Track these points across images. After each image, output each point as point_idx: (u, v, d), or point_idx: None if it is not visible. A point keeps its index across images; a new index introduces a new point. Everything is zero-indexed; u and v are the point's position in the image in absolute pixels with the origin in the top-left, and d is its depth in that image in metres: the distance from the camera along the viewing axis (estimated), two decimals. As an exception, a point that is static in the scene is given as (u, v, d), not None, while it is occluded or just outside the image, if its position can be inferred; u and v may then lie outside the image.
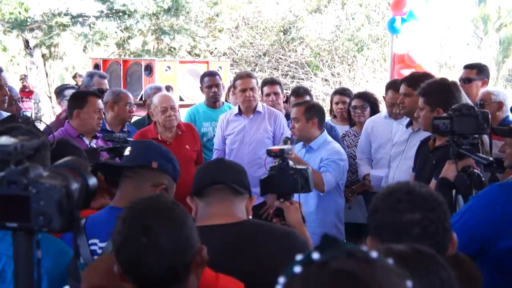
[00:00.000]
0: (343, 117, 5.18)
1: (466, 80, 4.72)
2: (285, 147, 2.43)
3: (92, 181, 1.21)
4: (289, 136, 4.19)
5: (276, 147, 2.44)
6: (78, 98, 4.15)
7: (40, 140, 1.11)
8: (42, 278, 1.64)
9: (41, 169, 1.10)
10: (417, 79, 3.61)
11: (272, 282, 0.88)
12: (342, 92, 5.34)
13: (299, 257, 0.85)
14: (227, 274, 1.72)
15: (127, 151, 2.30)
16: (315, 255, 0.83)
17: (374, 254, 0.84)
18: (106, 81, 5.34)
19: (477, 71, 4.81)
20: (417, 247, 1.28)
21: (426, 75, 3.82)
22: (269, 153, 2.42)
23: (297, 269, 0.84)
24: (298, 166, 2.40)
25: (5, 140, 1.10)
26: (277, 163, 2.37)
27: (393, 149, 3.99)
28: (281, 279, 0.84)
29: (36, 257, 1.07)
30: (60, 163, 1.22)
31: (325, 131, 4.18)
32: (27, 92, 14.99)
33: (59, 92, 6.29)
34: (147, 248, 1.37)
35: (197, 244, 1.49)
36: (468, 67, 4.89)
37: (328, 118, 5.49)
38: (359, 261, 0.82)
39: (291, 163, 2.37)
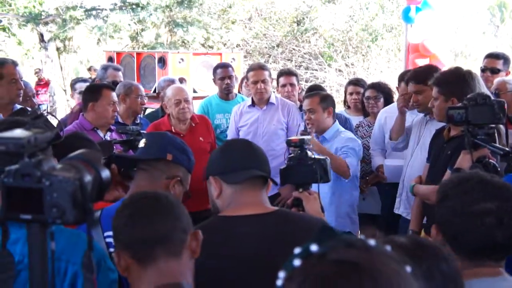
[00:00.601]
0: (357, 107, 5.15)
1: (492, 70, 4.64)
2: (304, 137, 2.44)
3: (105, 173, 1.22)
4: (304, 129, 4.18)
5: (296, 137, 2.45)
6: (93, 91, 4.17)
7: (53, 132, 1.11)
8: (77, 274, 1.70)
9: (54, 162, 1.11)
10: (424, 74, 3.58)
11: None
12: (356, 82, 5.30)
13: (297, 250, 0.84)
14: (261, 265, 1.72)
15: (141, 143, 2.31)
16: (314, 247, 0.83)
17: (372, 242, 0.84)
18: (120, 73, 5.36)
19: (503, 62, 4.74)
20: (418, 239, 1.28)
21: (431, 67, 3.78)
22: (289, 143, 2.45)
23: (297, 262, 0.83)
24: (317, 156, 2.41)
25: (18, 133, 1.11)
26: (295, 153, 2.38)
27: (411, 136, 3.96)
28: (281, 273, 0.84)
29: (50, 249, 1.08)
30: (74, 155, 1.23)
31: (337, 121, 4.19)
32: (42, 84, 15.10)
33: (73, 85, 6.34)
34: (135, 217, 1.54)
35: (191, 227, 1.57)
36: (493, 56, 4.80)
37: (342, 109, 5.48)
38: (358, 250, 0.82)
39: (310, 153, 2.38)
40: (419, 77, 3.68)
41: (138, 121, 4.72)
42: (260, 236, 1.84)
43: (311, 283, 0.80)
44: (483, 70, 4.57)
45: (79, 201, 1.06)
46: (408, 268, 0.84)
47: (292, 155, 2.40)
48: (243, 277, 1.81)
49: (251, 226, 1.86)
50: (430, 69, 3.65)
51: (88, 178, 1.10)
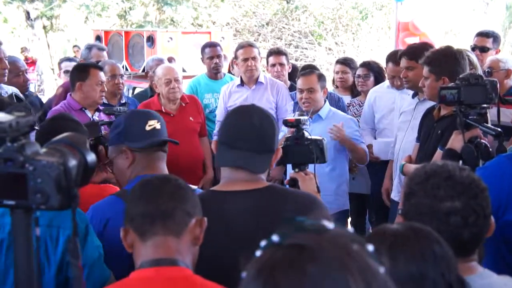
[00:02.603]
0: (343, 86, 5.15)
1: (482, 49, 4.63)
2: (301, 117, 2.43)
3: (91, 157, 1.19)
4: (295, 109, 4.17)
5: (292, 117, 2.43)
6: (80, 71, 4.11)
7: (36, 116, 1.08)
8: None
9: (38, 146, 1.08)
10: (417, 51, 3.56)
11: None
12: (342, 61, 5.28)
13: (262, 243, 0.83)
14: (249, 239, 1.70)
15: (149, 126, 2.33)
16: (275, 238, 0.82)
17: (330, 225, 0.82)
18: (105, 53, 5.28)
19: (492, 40, 4.73)
20: (410, 224, 1.27)
21: (425, 45, 3.77)
22: (286, 123, 2.44)
23: (258, 253, 0.82)
24: (314, 137, 2.39)
25: (0, 117, 1.07)
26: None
27: (400, 119, 3.97)
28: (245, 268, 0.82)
29: (35, 234, 1.06)
30: (58, 139, 1.20)
31: (327, 100, 4.19)
32: (29, 63, 14.90)
33: (60, 64, 6.24)
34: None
35: (198, 214, 1.62)
36: (483, 34, 4.79)
37: (331, 88, 5.46)
38: (309, 234, 0.81)
39: (306, 133, 2.37)
40: (412, 53, 3.67)
41: (124, 101, 4.64)
42: (249, 211, 1.84)
43: (262, 272, 0.79)
44: (473, 49, 4.57)
45: (64, 186, 1.04)
46: (370, 247, 0.82)
47: (289, 135, 2.40)
48: (232, 252, 1.78)
49: (241, 202, 1.85)
50: (424, 47, 3.63)
51: (72, 162, 1.08)
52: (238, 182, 1.88)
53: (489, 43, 4.71)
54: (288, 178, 2.38)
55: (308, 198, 1.94)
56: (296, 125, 2.38)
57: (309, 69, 4.43)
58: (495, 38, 4.77)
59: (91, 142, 2.45)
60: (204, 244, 1.63)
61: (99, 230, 2.07)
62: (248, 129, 1.86)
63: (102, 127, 3.16)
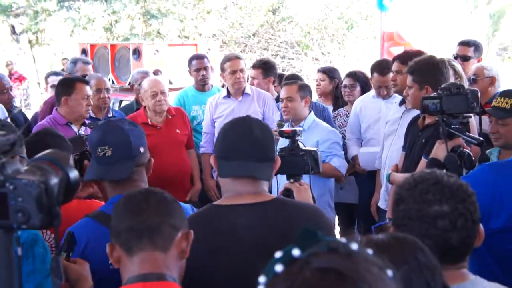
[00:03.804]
0: (321, 94, 5.19)
1: (464, 58, 4.69)
2: (297, 128, 2.47)
3: (74, 174, 1.19)
4: (281, 119, 4.17)
5: (289, 128, 2.46)
6: (66, 85, 4.09)
7: (16, 134, 1.07)
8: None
9: (19, 165, 1.08)
10: (411, 57, 3.58)
11: None
12: (321, 70, 5.31)
13: (278, 254, 0.82)
14: (256, 253, 1.72)
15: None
16: (296, 252, 0.81)
17: (354, 246, 0.82)
18: (90, 67, 5.26)
19: (474, 49, 4.79)
20: (395, 235, 1.28)
21: (420, 53, 3.79)
22: (282, 134, 2.47)
23: (279, 267, 0.81)
24: (308, 148, 2.42)
25: (-20, 136, 1.07)
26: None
27: (386, 128, 3.98)
28: (262, 278, 0.81)
29: (16, 254, 1.05)
30: (40, 156, 1.19)
31: (312, 111, 4.19)
32: (15, 78, 14.80)
33: (46, 78, 6.21)
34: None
35: (184, 227, 1.61)
36: (464, 43, 4.85)
37: (316, 98, 5.49)
38: (341, 256, 0.80)
39: (301, 144, 2.40)
40: (404, 58, 3.71)
41: (111, 114, 4.62)
42: (257, 225, 1.82)
43: None
44: (455, 58, 4.62)
45: (45, 204, 1.03)
46: (390, 273, 0.83)
47: (282, 145, 2.43)
48: (241, 267, 1.78)
49: (247, 216, 1.82)
50: (416, 54, 3.66)
51: (54, 180, 1.07)
52: (243, 195, 1.85)
53: (470, 52, 4.77)
54: (279, 189, 2.39)
55: (314, 209, 1.96)
56: (292, 136, 2.42)
57: (293, 79, 4.45)
58: (477, 47, 4.83)
59: (76, 157, 2.44)
60: (212, 260, 1.62)
61: (77, 254, 2.02)
62: (250, 140, 1.86)
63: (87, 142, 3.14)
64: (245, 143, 1.85)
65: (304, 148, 2.38)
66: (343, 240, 0.84)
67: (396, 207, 1.54)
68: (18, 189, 1.02)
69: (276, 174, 2.02)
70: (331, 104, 5.11)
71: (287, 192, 2.29)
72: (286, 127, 3.95)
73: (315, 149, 2.43)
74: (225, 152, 1.88)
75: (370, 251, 0.84)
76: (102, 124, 2.19)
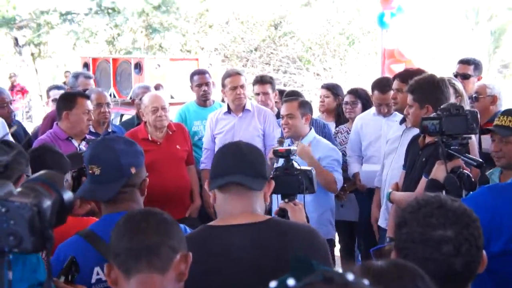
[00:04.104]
0: (325, 111, 5.19)
1: (463, 76, 4.69)
2: (291, 147, 2.46)
3: (68, 195, 1.18)
4: (281, 135, 4.17)
5: (283, 148, 2.45)
6: (67, 100, 4.09)
7: (9, 156, 1.06)
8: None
9: (11, 186, 1.06)
10: (411, 75, 3.58)
11: None
12: (326, 86, 5.32)
13: (273, 284, 0.81)
14: (251, 274, 1.74)
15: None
16: (291, 282, 0.79)
17: (350, 276, 0.81)
18: (92, 81, 5.27)
19: (474, 67, 4.80)
20: (394, 261, 1.26)
21: (420, 71, 3.80)
22: (276, 153, 2.47)
23: None
24: (303, 167, 2.40)
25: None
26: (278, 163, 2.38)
27: (386, 146, 3.97)
28: None
29: (7, 278, 1.03)
30: (34, 177, 1.18)
31: (313, 128, 4.18)
32: (17, 91, 14.84)
33: (48, 92, 6.22)
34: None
35: (183, 249, 1.59)
36: (464, 62, 4.86)
37: (318, 114, 5.49)
38: (337, 286, 0.78)
39: (295, 164, 2.38)
40: (405, 76, 3.73)
41: (111, 129, 4.61)
42: (250, 246, 1.81)
43: None
44: (455, 76, 4.62)
45: (38, 227, 1.02)
46: None
47: (278, 165, 2.41)
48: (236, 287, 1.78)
49: (241, 237, 1.82)
50: (417, 72, 3.66)
51: (47, 203, 1.06)
52: (236, 215, 1.85)
53: (470, 70, 4.77)
54: (276, 208, 2.37)
55: (308, 230, 1.94)
56: (286, 155, 2.40)
57: (293, 96, 4.44)
58: (476, 65, 4.84)
59: (74, 173, 2.43)
60: (206, 282, 1.60)
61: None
62: (237, 156, 1.88)
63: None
64: (233, 160, 1.88)
65: (298, 167, 2.37)
66: (339, 270, 0.82)
67: (398, 230, 1.52)
68: (11, 211, 1.00)
69: (270, 194, 2.01)
70: (334, 121, 5.10)
71: (282, 212, 2.28)
72: (286, 144, 3.95)
73: (310, 168, 2.42)
74: (215, 171, 1.91)
75: (366, 281, 0.83)
76: (95, 142, 2.17)
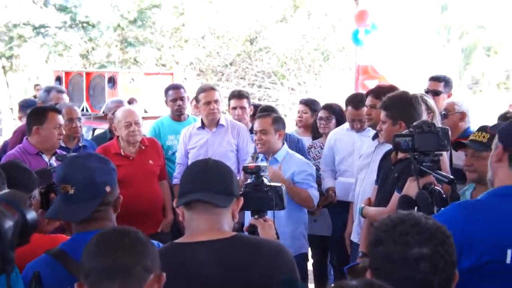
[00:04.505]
0: (302, 126, 5.22)
1: (434, 93, 4.77)
2: (261, 164, 2.46)
3: (31, 215, 1.15)
4: (254, 151, 4.16)
5: (253, 164, 2.45)
6: (38, 114, 4.02)
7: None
8: None
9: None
10: (384, 91, 3.62)
11: None
12: (303, 102, 5.34)
13: None
14: None
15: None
16: None
17: None
18: (64, 95, 5.20)
19: (444, 84, 4.88)
20: (369, 281, 1.25)
21: (393, 87, 3.84)
22: (245, 170, 2.45)
23: None
24: (273, 183, 2.39)
25: None
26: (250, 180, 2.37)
27: (359, 161, 3.99)
28: None
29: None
30: (-3, 196, 1.14)
31: (285, 143, 4.18)
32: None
33: (22, 106, 6.09)
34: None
35: (156, 269, 1.56)
36: (435, 79, 4.94)
37: (294, 128, 5.51)
38: None
39: (265, 180, 2.38)
40: (378, 92, 3.76)
41: (82, 143, 4.54)
42: (215, 263, 1.80)
43: None
44: (426, 92, 4.69)
45: (-2, 249, 0.98)
46: None
47: (247, 181, 2.40)
48: None
49: (205, 254, 1.81)
50: (390, 89, 3.70)
51: (8, 224, 1.03)
52: (202, 232, 1.85)
53: (441, 87, 4.86)
54: (247, 224, 2.36)
55: (273, 246, 1.93)
56: (256, 171, 2.39)
57: (267, 112, 4.43)
58: (447, 82, 4.93)
59: (42, 190, 2.37)
60: None
61: None
62: (204, 172, 1.89)
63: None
64: (199, 176, 1.89)
65: (268, 184, 2.36)
66: None
67: (373, 249, 1.51)
68: (-31, 233, 0.97)
69: (240, 210, 2.00)
70: (310, 136, 5.13)
71: (252, 228, 2.27)
72: (260, 160, 3.94)
73: (280, 184, 2.41)
74: (182, 188, 1.92)
75: None
76: (68, 160, 2.10)
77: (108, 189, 2.02)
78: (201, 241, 1.83)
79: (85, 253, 1.55)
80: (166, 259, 1.66)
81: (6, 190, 1.16)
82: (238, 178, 2.46)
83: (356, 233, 3.80)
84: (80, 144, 4.53)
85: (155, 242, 2.17)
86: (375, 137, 3.86)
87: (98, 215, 2.02)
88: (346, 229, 4.16)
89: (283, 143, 4.15)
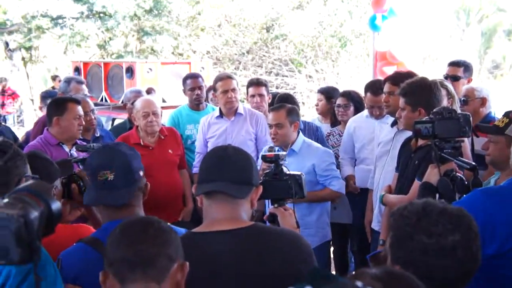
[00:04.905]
0: (322, 114, 5.27)
1: (454, 78, 4.71)
2: (280, 153, 2.43)
3: (56, 205, 1.16)
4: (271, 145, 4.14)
5: (271, 153, 2.43)
6: (58, 105, 4.06)
7: (2, 161, 1.04)
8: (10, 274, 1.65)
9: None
10: (402, 78, 3.58)
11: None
12: (319, 90, 5.45)
13: None
14: (234, 281, 1.74)
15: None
16: None
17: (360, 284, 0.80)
18: (84, 86, 5.23)
19: (463, 69, 4.81)
20: (391, 270, 1.24)
21: (411, 74, 3.80)
22: (264, 158, 2.45)
23: None
24: (292, 172, 2.39)
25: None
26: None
27: (378, 148, 3.97)
28: None
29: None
30: (22, 187, 1.17)
31: (301, 132, 4.15)
32: (11, 95, 14.76)
33: (43, 97, 6.16)
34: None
35: (179, 258, 1.56)
36: (454, 64, 4.87)
37: (316, 116, 5.55)
38: None
39: (285, 169, 2.37)
40: (396, 79, 3.74)
41: (98, 134, 4.56)
42: (233, 252, 1.80)
43: None
44: (445, 78, 4.63)
45: (25, 239, 1.00)
46: None
47: (267, 170, 2.39)
48: None
49: (224, 242, 1.81)
50: (408, 75, 3.66)
51: (34, 214, 1.04)
52: (220, 221, 1.85)
53: (460, 72, 4.78)
54: (267, 213, 2.36)
55: (292, 237, 1.92)
56: (275, 160, 2.38)
57: (280, 104, 4.37)
58: (466, 67, 4.85)
59: (64, 180, 2.40)
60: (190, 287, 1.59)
61: (70, 280, 1.98)
62: (223, 161, 1.89)
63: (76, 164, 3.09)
64: (219, 165, 1.88)
65: (288, 172, 2.36)
66: (354, 281, 0.81)
67: (403, 244, 1.48)
68: (-3, 223, 0.98)
69: (260, 199, 2.00)
70: (329, 123, 5.14)
71: (272, 217, 2.26)
72: (277, 150, 3.92)
73: (299, 173, 2.40)
74: (201, 176, 1.92)
75: None
76: (100, 149, 2.15)
77: (141, 173, 2.09)
78: (220, 230, 1.83)
79: (109, 243, 1.57)
80: (185, 248, 1.67)
81: (30, 181, 1.17)
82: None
83: (376, 221, 3.78)
84: (97, 135, 4.56)
85: (180, 228, 2.20)
86: (393, 124, 3.83)
87: (131, 201, 2.07)
88: (366, 217, 4.15)
89: (298, 133, 4.10)
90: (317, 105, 5.32)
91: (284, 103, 4.22)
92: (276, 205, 2.31)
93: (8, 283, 1.67)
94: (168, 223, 2.11)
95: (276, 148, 3.99)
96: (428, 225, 1.47)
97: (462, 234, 1.46)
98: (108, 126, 6.24)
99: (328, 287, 0.80)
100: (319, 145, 4.17)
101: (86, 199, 2.11)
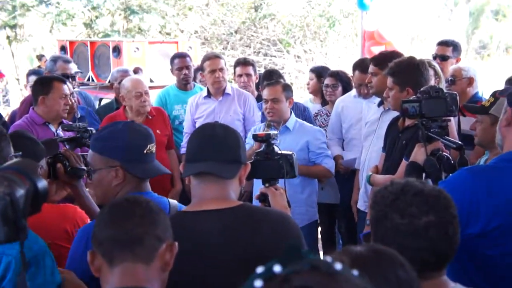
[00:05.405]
0: (313, 93, 5.31)
1: (442, 58, 4.71)
2: (271, 132, 2.42)
3: (42, 184, 1.15)
4: (262, 120, 4.15)
5: (262, 132, 2.43)
6: (43, 84, 4.02)
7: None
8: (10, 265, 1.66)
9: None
10: (384, 59, 3.58)
11: None
12: (311, 69, 5.47)
13: (259, 269, 0.80)
14: (222, 260, 1.76)
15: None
16: (277, 268, 0.79)
17: (338, 266, 0.80)
18: (70, 65, 5.17)
19: (452, 49, 4.82)
20: (374, 247, 1.25)
21: (395, 54, 3.80)
22: (255, 137, 2.44)
23: (258, 283, 0.79)
24: (284, 152, 2.38)
25: None
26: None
27: (365, 128, 3.98)
28: None
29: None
30: (7, 165, 1.15)
31: (292, 111, 4.17)
32: (-6, 75, 14.55)
33: (28, 76, 6.09)
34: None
35: (168, 238, 1.56)
36: (443, 43, 4.88)
37: (308, 97, 5.58)
38: (322, 275, 0.78)
39: (276, 148, 2.36)
40: (378, 60, 3.73)
41: (79, 115, 4.49)
42: (221, 232, 1.81)
43: None
44: (434, 58, 4.65)
45: (11, 218, 0.99)
46: None
47: (258, 150, 2.40)
48: (205, 273, 1.78)
49: (212, 222, 1.81)
50: (391, 56, 3.65)
51: (20, 192, 1.03)
52: (209, 201, 1.85)
53: (449, 51, 4.80)
54: (258, 193, 2.37)
55: (280, 217, 1.93)
56: (266, 139, 2.37)
57: (273, 75, 4.42)
58: (455, 46, 4.86)
59: (49, 160, 2.38)
60: (176, 268, 1.59)
61: (79, 252, 2.00)
62: (211, 140, 1.88)
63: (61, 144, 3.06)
64: (207, 144, 1.87)
65: (279, 152, 2.35)
66: (328, 258, 0.81)
67: (379, 223, 1.50)
68: (-18, 202, 0.98)
69: (251, 179, 2.00)
70: (320, 103, 5.16)
71: (263, 196, 2.27)
72: (272, 129, 3.94)
73: (290, 152, 2.39)
74: (189, 155, 1.91)
75: (355, 272, 0.82)
76: (125, 126, 2.21)
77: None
78: (208, 209, 1.83)
79: (98, 222, 1.57)
80: (173, 228, 1.67)
81: (17, 159, 1.16)
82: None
83: (362, 201, 3.81)
84: (77, 116, 4.48)
85: (177, 203, 2.23)
86: (380, 104, 3.84)
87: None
88: (352, 197, 4.18)
89: (291, 112, 4.13)
90: (308, 84, 5.35)
91: (280, 80, 4.28)
92: (267, 185, 2.31)
93: (8, 276, 1.67)
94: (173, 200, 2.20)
95: (272, 124, 4.02)
96: (403, 205, 1.47)
97: (437, 216, 1.46)
98: (95, 106, 6.18)
99: (297, 264, 0.79)
100: (310, 125, 4.22)
101: (145, 172, 2.20)
